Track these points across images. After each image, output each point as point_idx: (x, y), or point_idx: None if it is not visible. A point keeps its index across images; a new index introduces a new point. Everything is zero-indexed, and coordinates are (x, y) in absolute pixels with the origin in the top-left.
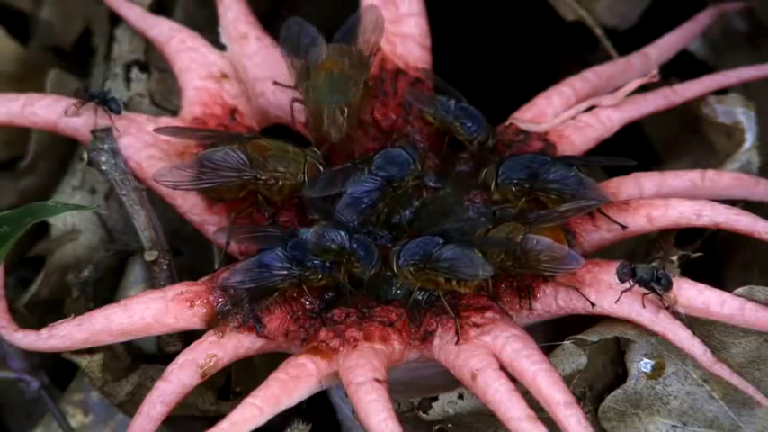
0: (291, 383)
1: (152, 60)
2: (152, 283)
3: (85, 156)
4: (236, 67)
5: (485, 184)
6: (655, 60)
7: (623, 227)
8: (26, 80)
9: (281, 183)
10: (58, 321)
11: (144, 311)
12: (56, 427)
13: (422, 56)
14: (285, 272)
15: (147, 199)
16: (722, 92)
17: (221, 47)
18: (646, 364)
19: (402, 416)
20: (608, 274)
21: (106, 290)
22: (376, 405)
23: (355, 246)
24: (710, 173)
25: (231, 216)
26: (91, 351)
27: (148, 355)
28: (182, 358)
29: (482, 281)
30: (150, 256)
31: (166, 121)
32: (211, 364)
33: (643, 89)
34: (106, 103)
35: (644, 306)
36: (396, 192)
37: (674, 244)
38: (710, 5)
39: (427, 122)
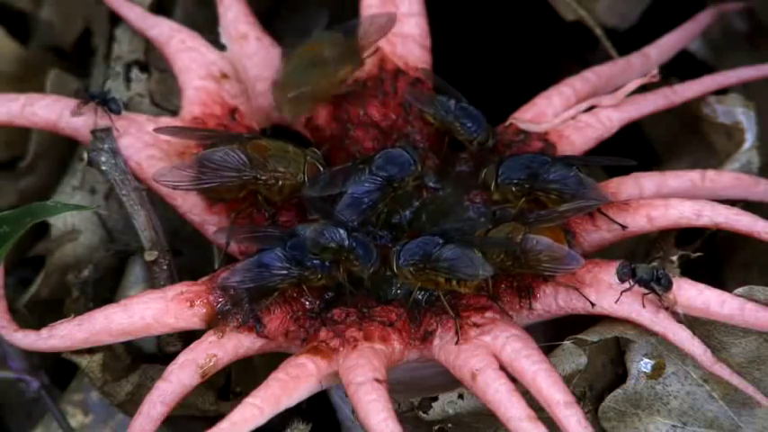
0: (291, 383)
1: (152, 60)
2: (152, 283)
3: (85, 156)
4: (236, 67)
5: (485, 184)
6: (655, 60)
7: (623, 227)
8: (26, 80)
9: (281, 183)
10: (58, 321)
11: (144, 311)
12: (56, 427)
13: (422, 56)
14: (285, 272)
15: (147, 199)
16: (722, 92)
17: (221, 47)
18: (646, 364)
19: (402, 416)
20: (608, 274)
21: (106, 290)
22: (376, 405)
23: (354, 244)
24: (710, 173)
25: (231, 216)
26: (91, 351)
27: (148, 355)
28: (182, 358)
29: (482, 281)
30: (150, 256)
31: (166, 121)
32: (211, 364)
33: (643, 89)
34: (106, 103)
35: (644, 306)
36: (396, 192)
37: (674, 244)
38: (710, 5)
39: (427, 122)
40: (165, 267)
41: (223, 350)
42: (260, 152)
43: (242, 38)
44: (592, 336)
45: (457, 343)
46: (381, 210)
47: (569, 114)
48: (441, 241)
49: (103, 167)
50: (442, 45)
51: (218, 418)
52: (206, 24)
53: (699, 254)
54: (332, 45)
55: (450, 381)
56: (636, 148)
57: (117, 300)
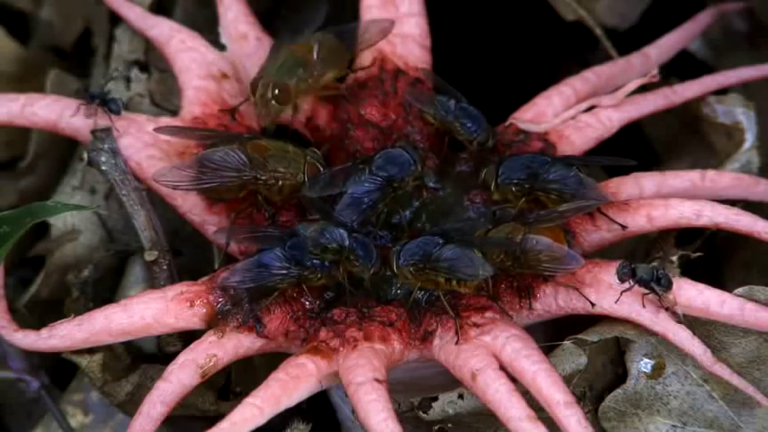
0: (291, 383)
1: (152, 60)
2: (152, 283)
3: (85, 156)
4: (236, 67)
5: (485, 184)
6: (655, 60)
7: (623, 227)
8: (26, 80)
9: (281, 183)
10: (58, 321)
11: (144, 311)
12: (56, 427)
13: (422, 56)
14: (284, 271)
15: (147, 199)
16: (722, 92)
17: (221, 47)
18: (646, 364)
19: (402, 416)
20: (608, 274)
21: (106, 290)
22: (376, 405)
23: (354, 245)
24: (710, 173)
25: (231, 216)
26: (91, 351)
27: (148, 355)
28: (182, 358)
29: (482, 281)
30: (150, 256)
31: (166, 121)
32: (211, 364)
33: (643, 89)
34: (106, 103)
35: (644, 306)
36: (396, 192)
37: (674, 244)
38: (710, 5)
39: (427, 122)
40: (165, 267)
41: (223, 350)
42: (260, 152)
43: (242, 38)
44: (592, 336)
45: (457, 343)
46: (381, 210)
47: (569, 114)
48: (441, 241)
49: (103, 167)
50: (442, 45)
51: (218, 418)
52: (206, 24)
53: (699, 254)
54: (320, 47)
55: (450, 381)
56: (636, 148)
57: (117, 300)
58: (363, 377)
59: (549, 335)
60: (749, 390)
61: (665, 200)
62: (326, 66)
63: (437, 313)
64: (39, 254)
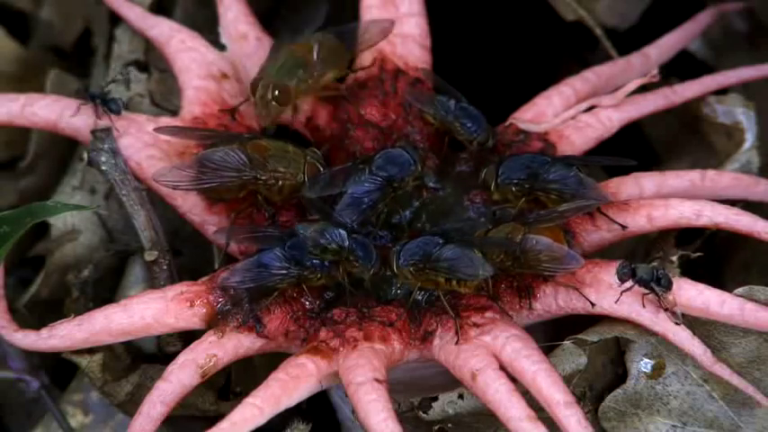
0: (291, 383)
1: (152, 60)
2: (152, 283)
3: (85, 156)
4: (236, 67)
5: (485, 184)
6: (655, 60)
7: (623, 227)
8: (26, 80)
9: (281, 183)
10: (58, 321)
11: (144, 311)
12: (56, 427)
13: (422, 56)
14: (284, 271)
15: (147, 199)
16: (722, 92)
17: (221, 47)
18: (646, 364)
19: (402, 416)
20: (608, 274)
21: (106, 290)
22: (376, 405)
23: (354, 245)
24: (710, 173)
25: (231, 216)
26: (91, 351)
27: (148, 355)
28: (182, 358)
29: (482, 281)
30: (150, 256)
31: (166, 121)
32: (211, 364)
33: (643, 89)
34: (106, 103)
35: (644, 306)
36: (396, 192)
37: (674, 244)
38: (710, 5)
39: (427, 122)
40: (165, 267)
41: (223, 350)
42: (260, 152)
43: (242, 38)
44: (592, 336)
45: (457, 343)
46: (381, 210)
47: (569, 114)
48: (441, 241)
49: (103, 167)
50: (442, 45)
51: (218, 418)
52: (206, 24)
53: (699, 254)
54: (320, 48)
55: (450, 381)
56: (636, 148)
57: (117, 300)
58: (363, 377)
59: (549, 335)
60: (749, 390)
61: (665, 200)
62: (326, 66)
63: (437, 313)
64: (39, 254)
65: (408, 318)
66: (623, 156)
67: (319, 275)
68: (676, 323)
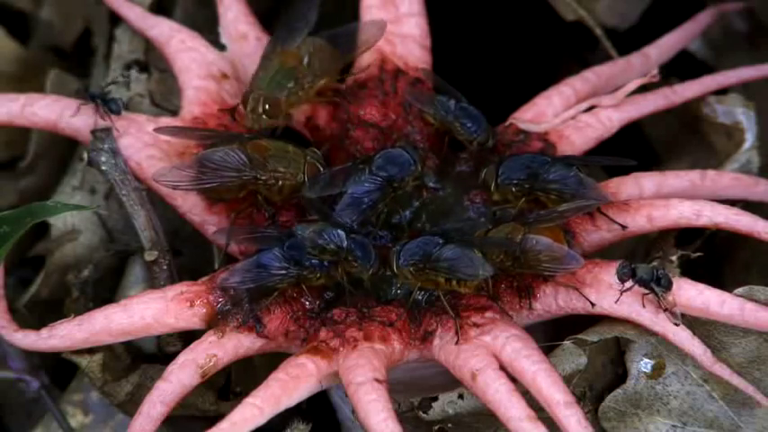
0: (291, 383)
1: (152, 60)
2: (152, 283)
3: (85, 156)
4: (236, 67)
5: (485, 184)
6: (655, 60)
7: (623, 227)
8: (26, 80)
9: (281, 183)
10: (58, 321)
11: (144, 311)
12: (56, 427)
13: (422, 56)
14: (283, 272)
15: (147, 199)
16: (722, 92)
17: (221, 47)
18: (646, 364)
19: (402, 416)
20: (608, 274)
21: (106, 290)
22: (376, 405)
23: (352, 245)
24: (710, 173)
25: (231, 216)
26: (91, 351)
27: (148, 355)
28: (182, 358)
29: (482, 281)
30: (150, 256)
31: (166, 121)
32: (211, 364)
33: (643, 89)
34: (106, 103)
35: (644, 306)
36: (396, 192)
37: (674, 244)
38: (710, 5)
39: (427, 122)
40: (165, 267)
41: (223, 350)
42: (260, 152)
43: (242, 38)
44: (592, 336)
45: (457, 343)
46: (381, 210)
47: (569, 114)
48: (441, 241)
49: (103, 167)
50: (442, 45)
51: (218, 418)
52: (206, 24)
53: (699, 254)
54: (311, 57)
55: (450, 381)
56: (636, 148)
57: (117, 300)
58: (363, 377)
59: (549, 335)
60: (749, 390)
61: (666, 200)
62: (318, 74)
63: (437, 313)
64: (39, 254)
65: (408, 318)
66: (623, 156)
67: (318, 275)
68: (676, 324)
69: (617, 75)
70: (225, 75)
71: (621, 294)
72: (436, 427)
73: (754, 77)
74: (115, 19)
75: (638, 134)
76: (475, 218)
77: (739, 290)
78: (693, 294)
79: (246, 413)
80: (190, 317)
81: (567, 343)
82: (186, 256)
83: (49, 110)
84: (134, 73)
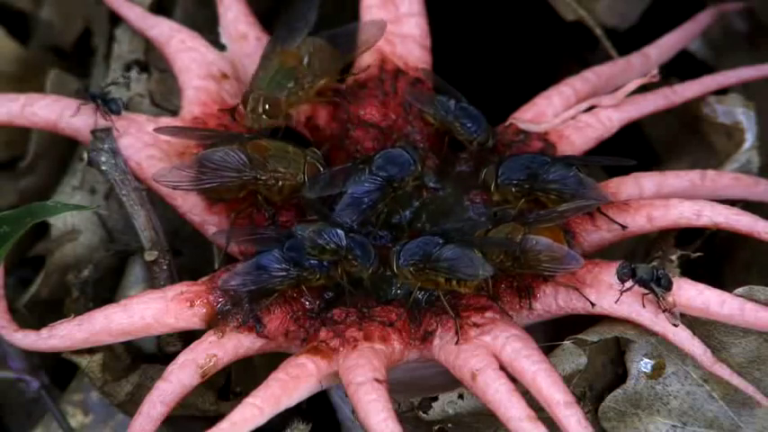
0: (291, 383)
1: (152, 60)
2: (152, 283)
3: (85, 156)
4: (236, 67)
5: (485, 184)
6: (655, 60)
7: (623, 227)
8: (26, 80)
9: (281, 183)
10: (58, 321)
11: (144, 311)
12: (56, 427)
13: (422, 56)
14: (283, 273)
15: (147, 199)
16: (722, 92)
17: (221, 47)
18: (646, 364)
19: (402, 416)
20: (608, 274)
21: (106, 290)
22: (376, 405)
23: (352, 245)
24: (710, 173)
25: (231, 216)
26: (91, 351)
27: (148, 355)
28: (182, 358)
29: (482, 281)
30: (150, 256)
31: (166, 121)
32: (211, 364)
33: (643, 89)
34: (106, 103)
35: (644, 306)
36: (396, 192)
37: (674, 244)
38: (710, 5)
39: (427, 122)
40: (165, 267)
41: (223, 350)
42: (260, 152)
43: (242, 38)
44: (592, 336)
45: (457, 343)
46: (381, 210)
47: (569, 114)
48: (441, 241)
49: (103, 167)
50: (442, 45)
51: (218, 418)
52: (206, 24)
53: (699, 254)
54: (310, 57)
55: (450, 381)
56: (636, 148)
57: (117, 300)
58: (363, 377)
59: (549, 335)
60: (749, 390)
61: (665, 200)
62: (317, 74)
63: (437, 313)
64: (39, 254)
65: (408, 318)
66: (623, 156)
67: (318, 276)
68: (675, 324)
69: (617, 75)
70: (225, 75)
71: (621, 294)
72: (436, 427)
73: (754, 77)
74: (115, 19)
75: (638, 134)
76: (475, 218)
77: (739, 290)
78: (693, 294)
79: (246, 413)
80: (190, 317)
81: (567, 343)
82: (186, 256)
83: (49, 110)
84: (134, 73)
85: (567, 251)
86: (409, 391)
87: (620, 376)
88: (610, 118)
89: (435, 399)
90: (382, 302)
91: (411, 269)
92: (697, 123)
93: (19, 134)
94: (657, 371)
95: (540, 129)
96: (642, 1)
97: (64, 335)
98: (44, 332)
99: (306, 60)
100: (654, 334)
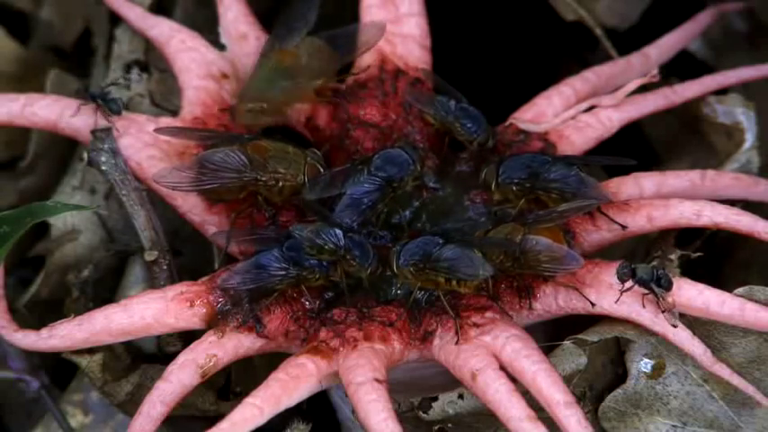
0: (291, 383)
1: (152, 60)
2: (152, 283)
3: (85, 156)
4: (235, 67)
5: (485, 183)
6: (655, 60)
7: (623, 227)
8: (26, 80)
9: (281, 184)
10: (58, 321)
11: (144, 311)
12: (56, 427)
13: (422, 56)
14: (283, 272)
15: (147, 199)
16: (722, 92)
17: (221, 47)
18: (646, 364)
19: (402, 416)
20: (608, 274)
21: (106, 290)
22: (376, 405)
23: (350, 245)
24: (710, 173)
25: (231, 216)
26: (91, 351)
27: (148, 355)
28: (182, 358)
29: (482, 281)
30: (150, 256)
31: (166, 121)
32: (211, 364)
33: (643, 89)
34: (106, 103)
35: (644, 306)
36: (395, 192)
37: (674, 244)
38: (710, 5)
39: (427, 123)
40: (165, 267)
41: (223, 350)
42: (260, 153)
43: (242, 38)
44: (592, 336)
45: (457, 343)
46: (381, 210)
47: (569, 114)
48: (441, 241)
49: (103, 167)
50: (442, 45)
51: (218, 418)
52: (206, 24)
53: (699, 254)
54: (308, 56)
55: (450, 381)
56: (636, 148)
57: (117, 300)
58: (363, 377)
59: (549, 335)
60: (749, 390)
61: (666, 200)
62: (314, 74)
63: (437, 313)
64: (39, 254)
65: (408, 318)
66: (623, 156)
67: (317, 276)
68: (674, 325)
69: (617, 75)
70: (225, 75)
71: (621, 294)
72: (436, 427)
73: (754, 77)
74: (115, 19)
75: (638, 134)
76: (475, 218)
77: (739, 290)
78: (693, 294)
79: (246, 413)
80: (190, 317)
81: (567, 343)
82: (186, 256)
83: (49, 110)
84: (134, 73)
85: (567, 251)
86: (409, 391)
87: (620, 376)
88: (610, 118)
89: (435, 399)
90: (382, 302)
91: (411, 269)
92: (697, 123)
93: (19, 134)
94: (657, 371)
95: (540, 129)
96: (642, 1)
97: (64, 335)
98: (44, 332)
99: (303, 60)
100: (654, 334)
